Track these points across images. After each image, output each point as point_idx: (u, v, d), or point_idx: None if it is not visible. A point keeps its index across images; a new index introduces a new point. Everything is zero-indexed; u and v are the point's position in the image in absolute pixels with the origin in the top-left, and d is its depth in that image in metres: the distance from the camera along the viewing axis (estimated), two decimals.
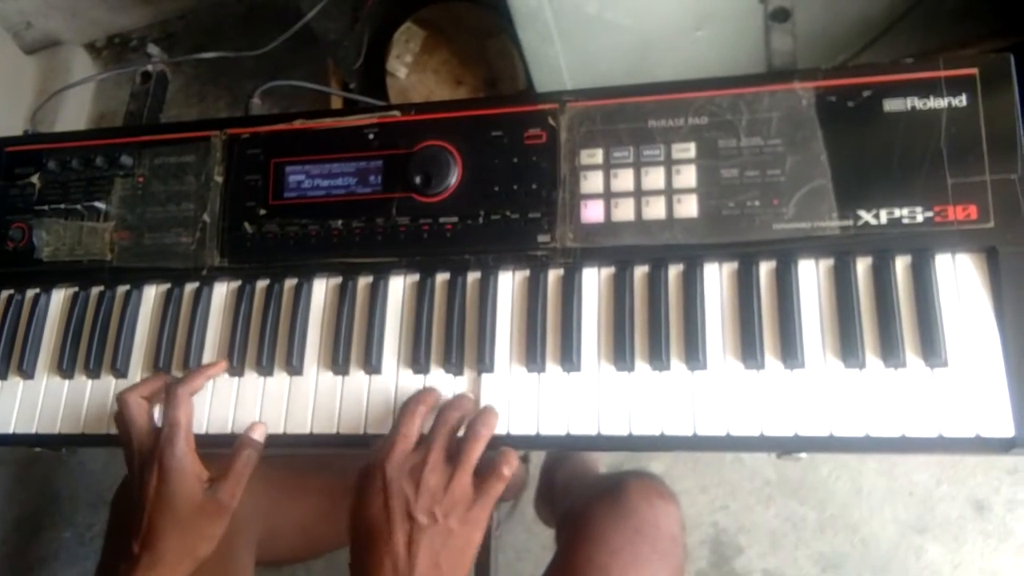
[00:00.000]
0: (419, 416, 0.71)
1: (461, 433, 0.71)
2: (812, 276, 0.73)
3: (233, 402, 0.79)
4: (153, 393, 0.76)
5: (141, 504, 0.70)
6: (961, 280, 0.70)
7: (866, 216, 0.71)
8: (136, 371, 0.83)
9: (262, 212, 0.83)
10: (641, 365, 0.73)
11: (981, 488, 1.33)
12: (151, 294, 0.86)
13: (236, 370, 0.80)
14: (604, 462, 1.32)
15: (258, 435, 0.75)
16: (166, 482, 0.69)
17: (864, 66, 0.75)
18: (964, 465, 1.34)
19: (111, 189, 0.87)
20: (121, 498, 0.93)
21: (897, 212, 0.71)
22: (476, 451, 0.69)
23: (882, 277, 0.71)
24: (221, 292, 0.84)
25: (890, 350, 0.69)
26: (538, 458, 1.35)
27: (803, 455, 0.72)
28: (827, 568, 1.34)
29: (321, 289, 0.82)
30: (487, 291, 0.77)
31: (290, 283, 0.83)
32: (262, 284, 0.83)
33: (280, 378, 0.80)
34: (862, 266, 0.72)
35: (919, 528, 1.33)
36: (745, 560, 1.37)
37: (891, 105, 0.72)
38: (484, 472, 0.68)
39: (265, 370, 0.80)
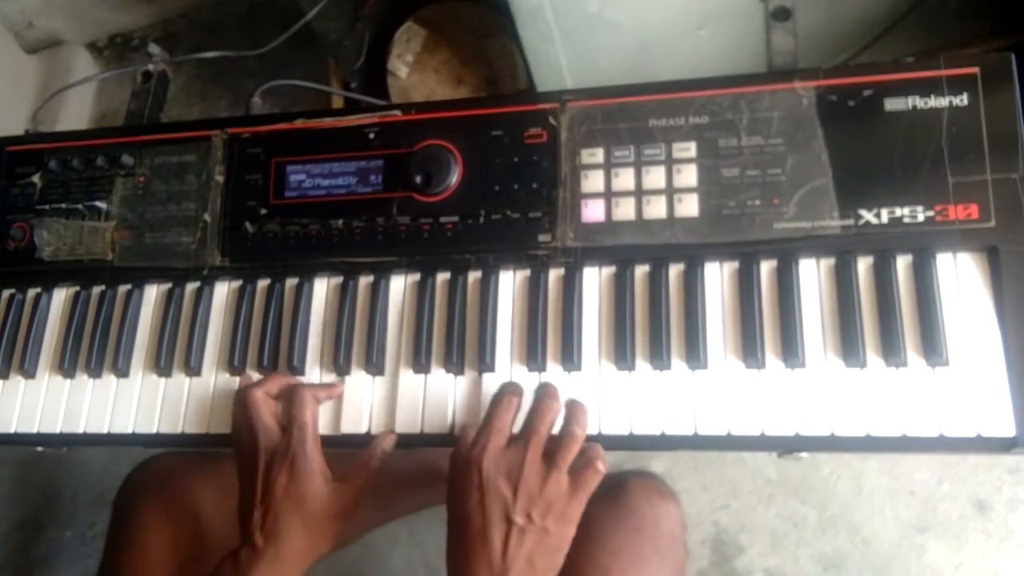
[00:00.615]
0: (513, 409, 0.70)
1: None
2: (813, 275, 0.72)
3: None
4: (279, 392, 0.76)
5: (267, 500, 0.70)
6: (962, 279, 0.70)
7: (867, 215, 0.71)
8: (137, 370, 0.83)
9: (263, 211, 0.83)
10: (642, 364, 0.73)
11: (983, 487, 1.32)
12: (152, 294, 0.86)
13: (237, 370, 0.81)
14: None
15: (388, 445, 0.75)
16: (297, 482, 0.70)
17: (865, 65, 0.75)
18: (966, 464, 1.33)
19: (112, 188, 0.87)
20: (125, 496, 0.93)
21: (898, 211, 0.70)
22: (573, 451, 0.67)
23: (883, 276, 0.71)
24: (222, 292, 0.84)
25: (891, 349, 0.68)
26: None
27: (804, 454, 0.72)
28: (828, 568, 1.34)
29: (322, 289, 0.82)
30: (488, 290, 0.77)
31: (291, 283, 0.83)
32: (263, 284, 0.83)
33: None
34: (863, 265, 0.72)
35: (920, 527, 1.32)
36: (746, 559, 1.37)
37: (892, 104, 0.72)
38: (577, 468, 0.67)
39: (267, 370, 0.80)
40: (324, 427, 0.77)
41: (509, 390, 0.71)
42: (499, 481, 0.65)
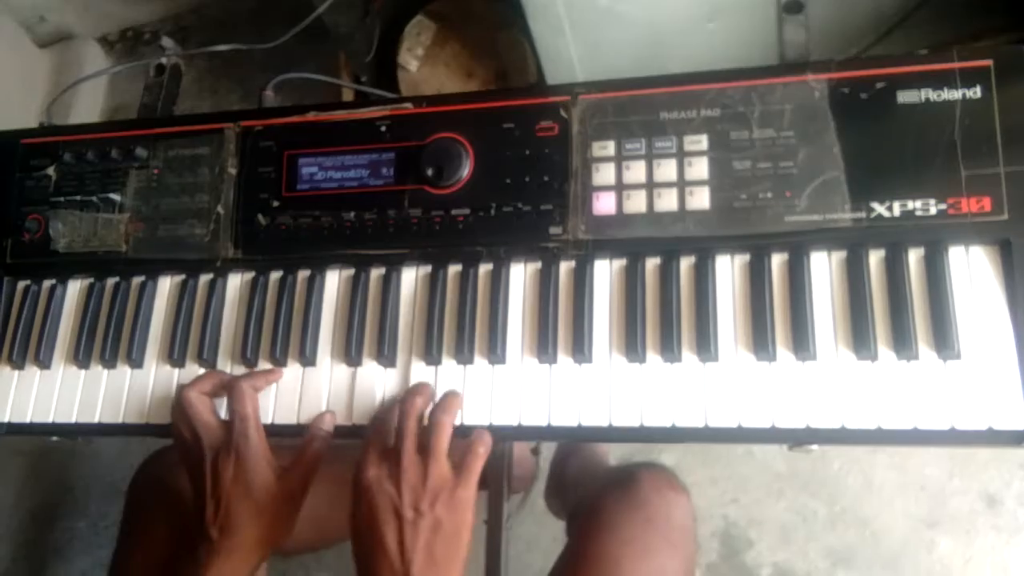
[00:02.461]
0: (391, 415, 0.73)
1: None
2: (824, 268, 0.72)
3: None
4: (214, 389, 0.77)
5: (216, 494, 0.72)
6: (974, 272, 0.69)
7: (879, 208, 0.71)
8: (151, 361, 0.84)
9: (275, 204, 0.83)
10: (653, 357, 0.73)
11: (993, 482, 1.32)
12: (166, 285, 0.87)
13: (250, 361, 0.81)
14: (614, 454, 1.33)
15: (327, 425, 0.76)
16: (244, 471, 0.71)
17: (877, 58, 0.75)
18: (976, 459, 1.33)
19: (126, 181, 0.88)
20: (137, 487, 0.94)
21: (910, 204, 0.70)
22: (442, 438, 0.70)
23: (895, 269, 0.70)
24: (235, 283, 0.85)
25: (902, 342, 0.68)
26: (549, 450, 1.35)
27: (814, 447, 0.72)
28: (838, 562, 1.34)
29: (334, 281, 0.82)
30: (499, 283, 0.77)
31: (303, 275, 0.83)
32: (275, 276, 0.84)
33: (294, 369, 0.80)
34: (874, 258, 0.72)
35: (930, 522, 1.32)
36: (755, 553, 1.37)
37: (905, 97, 0.72)
38: (460, 455, 0.70)
39: (279, 361, 0.80)
40: (338, 419, 0.77)
41: (386, 406, 0.75)
42: (382, 485, 0.68)
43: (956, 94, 0.71)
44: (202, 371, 0.82)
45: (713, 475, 1.41)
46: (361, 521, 0.69)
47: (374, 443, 0.71)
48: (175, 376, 0.83)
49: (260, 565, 0.74)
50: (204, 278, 0.85)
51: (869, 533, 1.34)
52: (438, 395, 0.75)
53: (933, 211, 0.70)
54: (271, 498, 0.72)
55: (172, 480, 0.90)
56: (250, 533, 0.71)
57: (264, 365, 0.81)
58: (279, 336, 0.81)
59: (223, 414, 0.78)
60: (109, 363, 0.84)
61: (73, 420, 0.84)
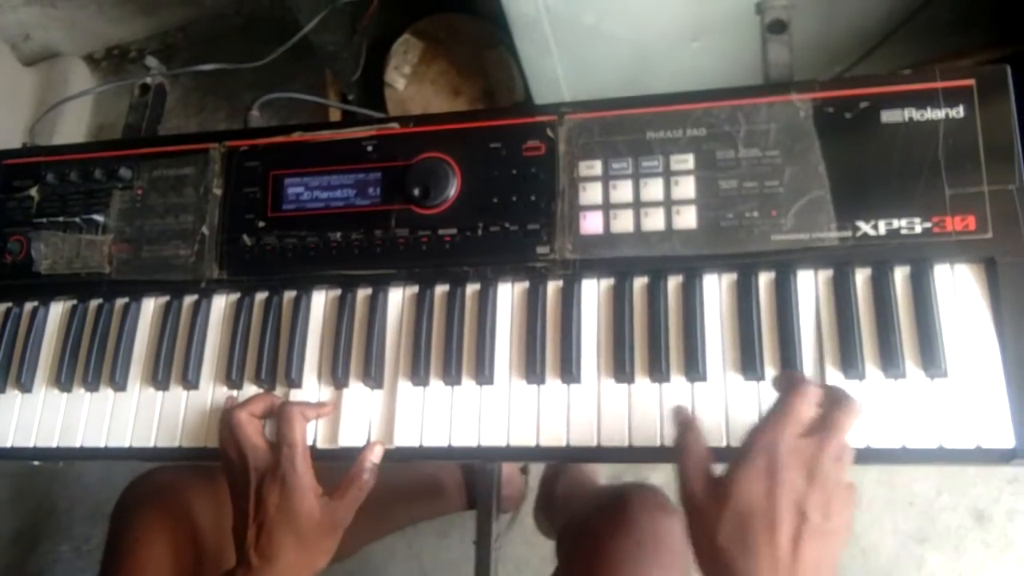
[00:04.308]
0: (814, 398, 0.61)
1: None
2: (811, 287, 0.73)
3: None
4: (264, 411, 0.77)
5: (259, 519, 0.71)
6: (960, 290, 0.70)
7: (864, 227, 0.71)
8: (135, 384, 0.83)
9: (261, 224, 0.83)
10: (641, 377, 0.73)
11: (982, 498, 1.32)
12: (150, 307, 0.86)
13: (235, 383, 0.80)
14: (604, 473, 1.32)
15: (376, 457, 0.75)
16: (289, 499, 0.71)
17: (861, 77, 0.75)
18: (965, 475, 1.33)
19: (109, 202, 0.87)
20: (127, 508, 0.92)
21: (895, 223, 0.71)
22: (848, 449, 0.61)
23: (881, 288, 0.71)
24: (220, 305, 0.84)
25: (890, 361, 0.68)
26: (538, 469, 1.34)
27: None
28: None
29: (320, 301, 0.82)
30: (486, 303, 0.77)
31: (289, 295, 0.83)
32: (261, 296, 0.83)
33: (280, 391, 0.80)
34: (861, 277, 0.72)
35: (920, 538, 1.32)
36: None
37: (888, 116, 0.73)
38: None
39: (264, 383, 0.80)
40: (323, 441, 0.77)
41: (805, 380, 0.63)
42: (794, 471, 0.58)
43: (939, 113, 0.72)
44: (187, 394, 0.81)
45: None
46: (749, 499, 0.58)
47: (792, 423, 0.59)
48: (159, 399, 0.82)
49: None
50: (188, 299, 0.85)
51: (859, 549, 1.33)
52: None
53: (918, 229, 0.70)
54: (314, 527, 0.71)
55: (173, 500, 0.89)
56: (291, 560, 0.71)
57: (249, 387, 0.80)
58: (264, 357, 0.80)
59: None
60: (92, 386, 0.83)
61: (55, 444, 0.83)
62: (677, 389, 0.72)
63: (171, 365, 0.83)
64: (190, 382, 0.81)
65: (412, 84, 1.52)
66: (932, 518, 1.33)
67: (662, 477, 1.39)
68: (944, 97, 0.72)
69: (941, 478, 1.34)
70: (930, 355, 0.68)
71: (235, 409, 0.75)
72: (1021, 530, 1.29)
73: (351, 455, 0.75)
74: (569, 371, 0.74)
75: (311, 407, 0.77)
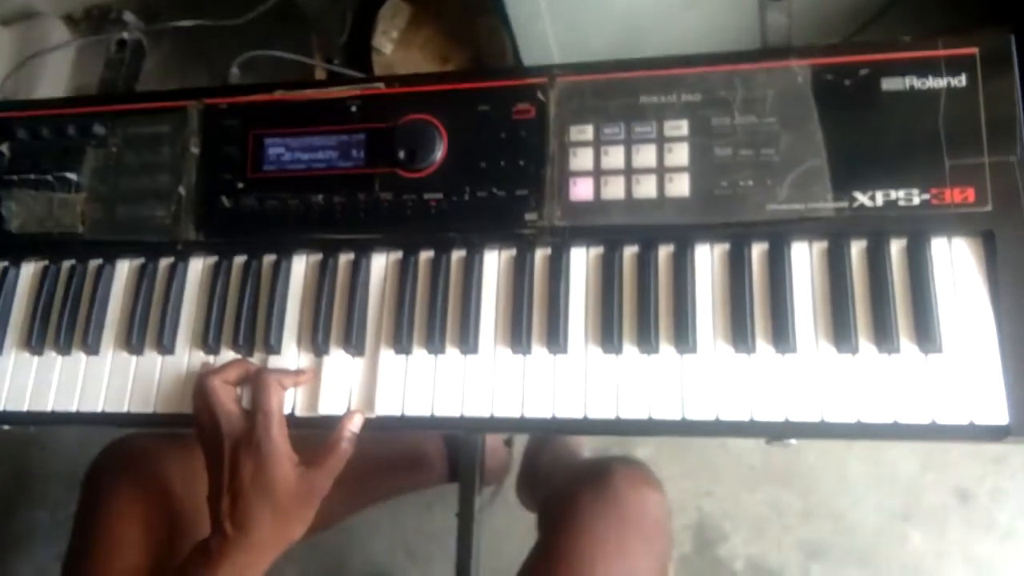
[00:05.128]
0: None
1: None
2: (805, 259, 0.71)
3: None
4: (239, 378, 0.74)
5: (233, 488, 0.69)
6: (957, 264, 0.68)
7: (862, 198, 0.69)
8: (108, 348, 0.81)
9: (240, 185, 0.80)
10: (629, 348, 0.71)
11: (966, 477, 1.32)
12: (124, 269, 0.83)
13: (212, 349, 0.78)
14: (588, 447, 1.31)
15: (355, 426, 0.73)
16: (264, 468, 0.69)
17: (862, 44, 0.73)
18: (950, 454, 1.33)
19: (83, 159, 0.84)
20: (92, 479, 0.90)
21: (893, 194, 0.69)
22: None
23: (877, 260, 0.69)
24: (197, 268, 0.82)
25: (884, 335, 0.67)
26: (522, 442, 1.33)
27: (793, 441, 0.71)
28: (811, 555, 1.33)
29: (301, 266, 0.80)
30: (472, 270, 0.75)
31: (268, 259, 0.80)
32: (239, 260, 0.81)
33: (258, 357, 0.77)
34: (856, 249, 0.70)
35: (904, 516, 1.32)
36: (729, 546, 1.36)
37: (889, 84, 0.70)
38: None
39: (242, 349, 0.77)
40: (302, 409, 0.75)
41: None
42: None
43: (941, 82, 0.70)
44: (162, 359, 0.79)
45: (687, 468, 1.40)
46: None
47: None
48: (133, 364, 0.79)
49: (272, 561, 0.72)
50: (164, 262, 0.82)
51: (843, 526, 1.33)
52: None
53: (916, 201, 0.68)
54: (290, 496, 0.69)
55: (146, 467, 0.87)
56: (266, 531, 0.69)
57: (227, 353, 0.78)
58: (243, 323, 0.78)
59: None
60: (63, 349, 0.81)
61: (25, 408, 0.80)
62: (666, 361, 0.70)
63: (146, 329, 0.80)
64: (165, 347, 0.79)
65: (399, 50, 1.48)
66: (916, 496, 1.33)
67: (647, 451, 1.38)
68: (946, 65, 0.70)
69: (926, 456, 1.34)
70: (925, 330, 0.66)
71: (209, 375, 0.73)
72: (1005, 510, 1.29)
73: (331, 424, 0.73)
74: (556, 341, 0.72)
75: (288, 375, 0.74)
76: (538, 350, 0.73)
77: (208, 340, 0.78)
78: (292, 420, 0.73)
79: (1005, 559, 1.27)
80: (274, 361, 0.77)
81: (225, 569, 0.69)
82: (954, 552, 1.29)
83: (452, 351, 0.74)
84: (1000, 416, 0.64)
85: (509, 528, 1.39)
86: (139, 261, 0.83)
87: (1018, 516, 1.28)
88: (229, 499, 0.69)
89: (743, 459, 1.39)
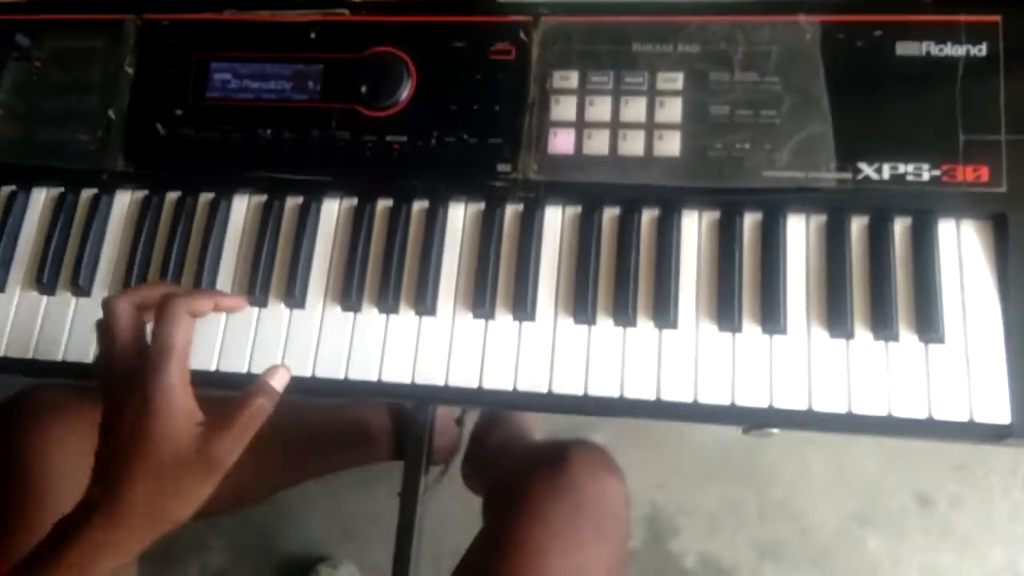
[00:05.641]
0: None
1: None
2: (801, 233, 0.65)
3: None
4: (149, 304, 0.60)
5: (111, 441, 0.55)
6: (964, 248, 0.63)
7: (867, 170, 0.63)
8: (15, 286, 0.71)
9: (178, 112, 0.71)
10: (603, 319, 0.64)
11: (926, 483, 1.29)
12: (40, 197, 0.74)
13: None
14: (541, 429, 1.25)
15: (279, 382, 0.58)
16: (147, 417, 0.54)
17: (878, 2, 0.67)
18: (911, 458, 1.30)
19: (2, 73, 0.75)
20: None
21: (901, 167, 0.63)
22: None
23: (879, 239, 0.63)
24: (123, 202, 0.73)
25: (882, 321, 0.61)
26: (473, 421, 1.26)
27: (775, 431, 0.65)
28: (765, 555, 1.29)
29: (242, 207, 0.71)
30: (434, 223, 0.67)
31: (206, 198, 0.72)
32: (172, 196, 0.72)
33: None
34: (857, 226, 0.64)
35: (861, 519, 1.29)
36: (681, 541, 1.31)
37: (904, 49, 0.64)
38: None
39: None
40: (232, 365, 0.67)
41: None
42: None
43: (960, 50, 0.64)
44: (75, 300, 0.70)
45: (644, 458, 1.34)
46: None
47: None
48: (42, 304, 0.70)
49: (145, 546, 0.56)
50: (86, 193, 0.73)
51: (799, 527, 1.29)
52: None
53: (926, 177, 0.63)
54: (178, 461, 0.54)
55: (34, 430, 0.77)
56: (138, 500, 0.54)
57: None
58: (171, 265, 0.69)
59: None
60: None
61: None
62: (643, 335, 0.64)
63: (60, 267, 0.71)
64: (80, 287, 0.70)
65: None
66: (875, 499, 1.29)
67: (603, 436, 1.32)
68: (967, 32, 0.64)
69: (888, 459, 1.30)
70: (927, 318, 0.61)
71: (116, 296, 0.59)
72: (964, 518, 1.26)
73: None
74: (523, 307, 0.65)
75: (204, 298, 0.60)
76: (502, 315, 0.66)
77: (130, 283, 0.69)
78: (216, 377, 0.65)
79: (962, 570, 1.25)
80: None
81: (80, 545, 0.53)
82: (911, 559, 1.26)
83: (407, 311, 0.67)
84: (1002, 415, 0.59)
85: (455, 511, 1.32)
86: (58, 191, 0.74)
87: (977, 526, 1.26)
88: (105, 454, 0.56)
89: (701, 453, 1.34)
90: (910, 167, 0.63)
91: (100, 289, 0.70)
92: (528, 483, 0.76)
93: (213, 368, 0.67)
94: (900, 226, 0.64)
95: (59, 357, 0.69)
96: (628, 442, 1.34)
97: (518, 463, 0.85)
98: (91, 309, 0.70)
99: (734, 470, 1.33)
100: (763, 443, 1.34)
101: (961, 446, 1.27)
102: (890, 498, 1.29)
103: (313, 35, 0.71)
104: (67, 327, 0.69)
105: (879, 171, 0.63)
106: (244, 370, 0.66)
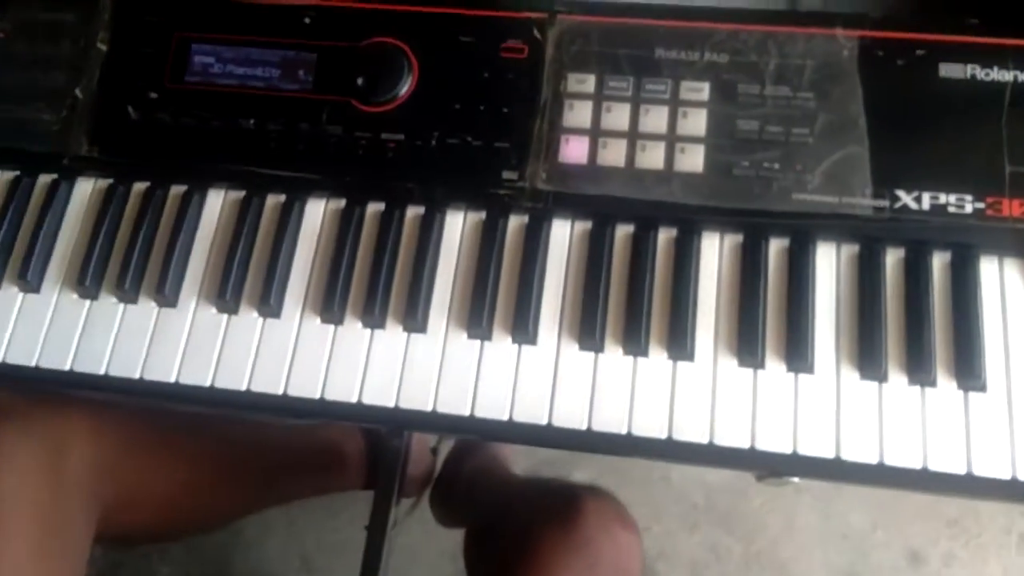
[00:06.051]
0: None
1: None
2: (831, 263, 0.59)
3: (78, 332, 0.61)
4: None
5: None
6: (1008, 289, 0.58)
7: (905, 198, 0.58)
8: None
9: (153, 95, 0.65)
10: (612, 347, 0.58)
11: (918, 538, 1.23)
12: None
13: (88, 290, 0.62)
14: (519, 462, 1.18)
15: None
16: None
17: (921, 21, 0.63)
18: (903, 512, 1.24)
19: None
20: None
21: (943, 198, 0.58)
22: None
23: (916, 274, 0.58)
24: (85, 190, 0.66)
25: (918, 364, 0.56)
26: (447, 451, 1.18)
27: (796, 479, 0.59)
28: None
29: (217, 202, 0.65)
30: (430, 231, 0.61)
31: (177, 190, 0.65)
32: (140, 187, 0.65)
33: (146, 308, 0.62)
34: (892, 258, 0.59)
35: (850, 574, 1.23)
36: None
37: (948, 70, 0.60)
38: None
39: (127, 295, 0.62)
40: (195, 379, 0.59)
41: None
42: None
43: (1007, 75, 0.59)
44: (22, 296, 0.63)
45: (626, 500, 1.25)
46: None
47: None
48: None
49: None
50: (45, 178, 0.66)
51: None
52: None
53: (968, 209, 0.58)
54: None
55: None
56: None
57: (106, 297, 0.62)
58: (133, 262, 0.62)
59: None
60: None
61: None
62: (656, 367, 0.58)
63: (8, 258, 0.64)
64: (29, 283, 0.62)
65: None
66: (865, 554, 1.23)
67: (586, 475, 1.25)
68: (1014, 57, 0.60)
69: (879, 512, 1.25)
70: (967, 364, 0.55)
71: None
72: None
73: (230, 400, 0.59)
74: (523, 329, 0.58)
75: None
76: (500, 337, 0.59)
77: (85, 279, 0.62)
78: (177, 390, 0.58)
79: None
80: (167, 316, 0.61)
81: None
82: None
83: (394, 327, 0.60)
84: None
85: (423, 546, 1.25)
86: (12, 174, 0.67)
87: None
88: None
89: (686, 496, 1.28)
90: (952, 198, 0.58)
91: (51, 284, 0.63)
92: (540, 534, 0.70)
93: (173, 380, 0.59)
94: (939, 261, 0.58)
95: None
96: (611, 482, 1.27)
97: (526, 510, 0.78)
98: (40, 307, 0.62)
99: (720, 516, 1.27)
100: (749, 489, 1.28)
101: (956, 501, 1.22)
102: (880, 553, 1.23)
103: (307, 20, 0.65)
104: (10, 327, 0.62)
105: (918, 200, 0.58)
106: (207, 383, 0.59)
